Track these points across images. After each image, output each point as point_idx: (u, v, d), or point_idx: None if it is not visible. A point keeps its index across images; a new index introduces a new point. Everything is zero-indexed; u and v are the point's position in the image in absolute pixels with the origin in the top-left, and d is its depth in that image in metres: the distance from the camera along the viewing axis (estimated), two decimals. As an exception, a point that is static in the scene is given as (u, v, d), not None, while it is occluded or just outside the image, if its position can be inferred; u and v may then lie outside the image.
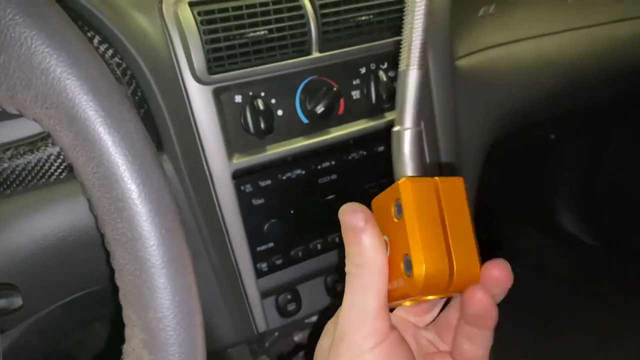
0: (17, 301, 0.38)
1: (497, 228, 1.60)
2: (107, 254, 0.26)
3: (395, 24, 0.65)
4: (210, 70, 0.55)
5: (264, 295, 0.63)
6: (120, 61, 0.52)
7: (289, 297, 0.66)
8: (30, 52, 0.22)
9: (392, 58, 0.68)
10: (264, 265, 0.63)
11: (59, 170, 0.50)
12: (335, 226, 0.31)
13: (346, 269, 0.30)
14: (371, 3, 0.63)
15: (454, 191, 0.30)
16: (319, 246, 0.66)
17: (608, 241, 1.41)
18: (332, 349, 0.31)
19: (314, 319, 0.69)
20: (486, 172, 1.57)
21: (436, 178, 0.29)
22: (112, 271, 0.26)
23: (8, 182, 0.48)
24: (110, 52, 0.51)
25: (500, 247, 1.60)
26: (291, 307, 0.65)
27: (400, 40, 0.31)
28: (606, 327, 1.31)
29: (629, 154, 1.30)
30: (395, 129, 0.31)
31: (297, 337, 0.70)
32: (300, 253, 0.66)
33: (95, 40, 0.50)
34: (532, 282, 1.47)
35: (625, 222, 1.38)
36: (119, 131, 0.23)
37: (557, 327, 1.34)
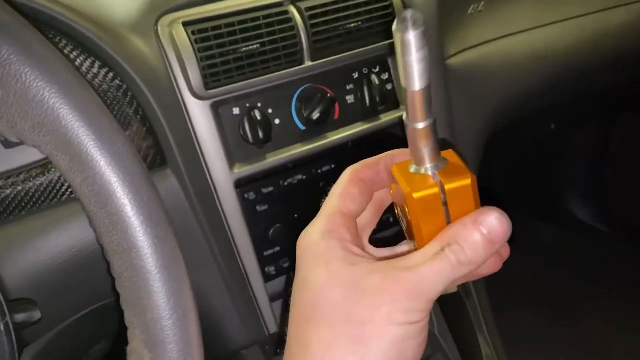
0: (36, 315, 0.41)
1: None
2: (108, 264, 0.28)
3: (384, 28, 0.67)
4: (207, 86, 0.58)
5: (274, 298, 0.66)
6: (121, 83, 0.55)
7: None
8: (26, 86, 0.25)
9: (384, 61, 0.70)
10: (272, 269, 0.66)
11: (70, 190, 0.53)
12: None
13: None
14: (359, 10, 0.65)
15: (462, 194, 0.31)
16: (324, 248, 0.68)
17: (622, 228, 1.40)
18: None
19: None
20: (495, 166, 1.58)
21: (443, 184, 0.30)
22: (113, 280, 0.28)
23: (23, 204, 0.51)
24: (110, 75, 0.54)
25: (513, 241, 1.61)
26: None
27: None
28: (625, 316, 1.30)
29: (635, 139, 1.30)
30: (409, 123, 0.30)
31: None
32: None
33: (96, 66, 0.53)
34: (549, 275, 1.46)
35: (637, 207, 1.37)
36: (109, 152, 0.26)
37: (575, 319, 1.34)
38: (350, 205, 0.33)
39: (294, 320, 0.32)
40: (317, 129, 0.66)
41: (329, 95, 0.65)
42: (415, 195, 0.30)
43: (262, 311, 0.63)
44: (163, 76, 0.56)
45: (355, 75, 0.68)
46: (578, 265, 1.43)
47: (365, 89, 0.68)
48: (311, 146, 0.65)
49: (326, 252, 0.31)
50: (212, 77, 0.58)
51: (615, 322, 1.30)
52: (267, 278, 0.65)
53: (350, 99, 0.69)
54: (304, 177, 0.67)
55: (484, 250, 0.29)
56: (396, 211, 0.35)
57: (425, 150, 0.31)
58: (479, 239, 0.29)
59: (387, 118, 0.70)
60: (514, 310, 1.34)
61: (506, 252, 0.33)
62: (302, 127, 0.66)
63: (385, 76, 0.70)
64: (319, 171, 0.68)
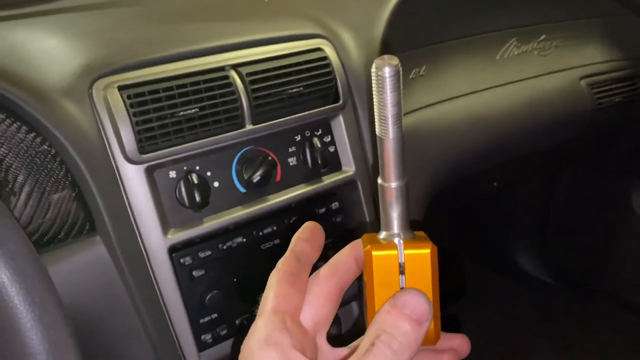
0: None
1: (461, 273, 1.62)
2: None
3: (326, 93, 0.68)
4: (142, 150, 0.56)
5: (209, 367, 0.63)
6: (49, 148, 0.53)
7: (237, 367, 0.65)
8: None
9: (326, 124, 0.71)
10: (208, 337, 0.63)
11: None
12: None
13: None
14: (301, 76, 0.66)
15: (420, 262, 0.31)
16: (264, 313, 0.67)
17: (563, 279, 1.44)
18: None
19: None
20: (445, 223, 1.61)
21: (403, 250, 0.31)
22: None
23: None
24: (38, 140, 0.52)
25: (464, 291, 1.62)
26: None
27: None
28: None
29: (574, 195, 1.35)
30: (380, 182, 0.31)
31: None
32: (245, 321, 0.66)
33: (23, 130, 0.51)
34: (497, 324, 1.48)
35: (577, 259, 1.42)
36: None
37: None
38: (285, 304, 0.31)
39: None
40: (258, 191, 0.66)
41: (270, 157, 0.65)
42: (374, 252, 0.30)
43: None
44: (95, 140, 0.55)
45: (298, 138, 0.69)
46: (525, 316, 1.45)
47: (307, 151, 0.69)
48: (252, 209, 0.65)
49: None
50: (148, 140, 0.56)
51: None
52: (202, 346, 0.62)
53: (292, 161, 0.69)
54: (244, 239, 0.65)
55: (414, 333, 0.29)
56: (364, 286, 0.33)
57: (395, 214, 0.31)
58: (406, 323, 0.29)
59: (329, 180, 0.70)
60: None
61: (464, 349, 0.34)
62: (243, 190, 0.65)
63: (327, 139, 0.71)
64: (260, 233, 0.66)
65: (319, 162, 0.69)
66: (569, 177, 1.33)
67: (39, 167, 0.52)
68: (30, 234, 0.51)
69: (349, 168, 0.72)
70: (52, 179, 0.53)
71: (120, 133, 0.55)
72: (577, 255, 1.41)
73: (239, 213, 0.64)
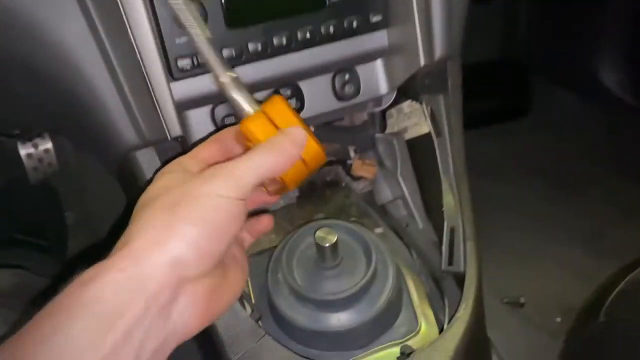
0: None
1: (528, 88, 1.45)
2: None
3: None
4: None
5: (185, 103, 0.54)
6: None
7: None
8: None
9: None
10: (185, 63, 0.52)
11: None
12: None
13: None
14: None
15: (278, 107, 0.43)
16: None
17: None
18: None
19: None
20: (521, 26, 1.38)
21: (262, 108, 0.43)
22: None
23: None
24: None
25: (527, 109, 1.45)
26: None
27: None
28: (629, 199, 1.19)
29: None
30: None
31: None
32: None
33: None
34: (556, 148, 1.34)
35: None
36: None
37: (574, 197, 1.23)
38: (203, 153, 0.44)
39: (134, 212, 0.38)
40: None
41: None
42: (247, 122, 0.42)
43: (163, 114, 0.51)
44: None
45: None
46: (592, 139, 1.30)
47: None
48: None
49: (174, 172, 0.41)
50: None
51: (617, 206, 1.19)
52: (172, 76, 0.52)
53: None
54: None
55: (295, 145, 0.41)
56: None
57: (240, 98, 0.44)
58: (301, 133, 0.42)
59: None
60: (505, 180, 1.25)
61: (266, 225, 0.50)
62: None
63: None
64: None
65: None
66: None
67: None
68: None
69: None
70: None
71: None
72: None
73: None
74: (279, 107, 0.43)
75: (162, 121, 0.50)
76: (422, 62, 0.57)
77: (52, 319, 0.32)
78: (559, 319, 1.02)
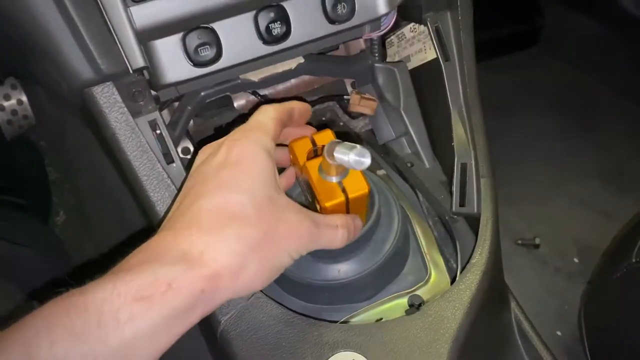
0: None
1: (539, 13, 1.35)
2: None
3: None
4: None
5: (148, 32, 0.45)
6: None
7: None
8: None
9: None
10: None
11: None
12: None
13: None
14: None
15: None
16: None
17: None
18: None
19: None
20: None
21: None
22: None
23: None
24: None
25: (538, 37, 1.36)
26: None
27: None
28: None
29: None
30: None
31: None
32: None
33: None
34: (574, 78, 1.27)
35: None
36: None
37: (591, 131, 1.17)
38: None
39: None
40: None
41: None
42: (327, 204, 0.43)
43: (121, 42, 0.43)
44: None
45: None
46: (608, 67, 1.22)
47: None
48: None
49: (262, 164, 0.39)
50: None
51: (638, 140, 1.13)
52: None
53: None
54: None
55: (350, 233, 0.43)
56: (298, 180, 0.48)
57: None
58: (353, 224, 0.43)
59: None
60: (518, 115, 1.19)
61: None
62: None
63: None
64: None
65: None
66: None
67: None
68: None
69: None
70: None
71: None
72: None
73: None
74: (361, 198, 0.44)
75: (121, 51, 0.43)
76: (425, -29, 0.49)
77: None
78: (576, 260, 0.98)
